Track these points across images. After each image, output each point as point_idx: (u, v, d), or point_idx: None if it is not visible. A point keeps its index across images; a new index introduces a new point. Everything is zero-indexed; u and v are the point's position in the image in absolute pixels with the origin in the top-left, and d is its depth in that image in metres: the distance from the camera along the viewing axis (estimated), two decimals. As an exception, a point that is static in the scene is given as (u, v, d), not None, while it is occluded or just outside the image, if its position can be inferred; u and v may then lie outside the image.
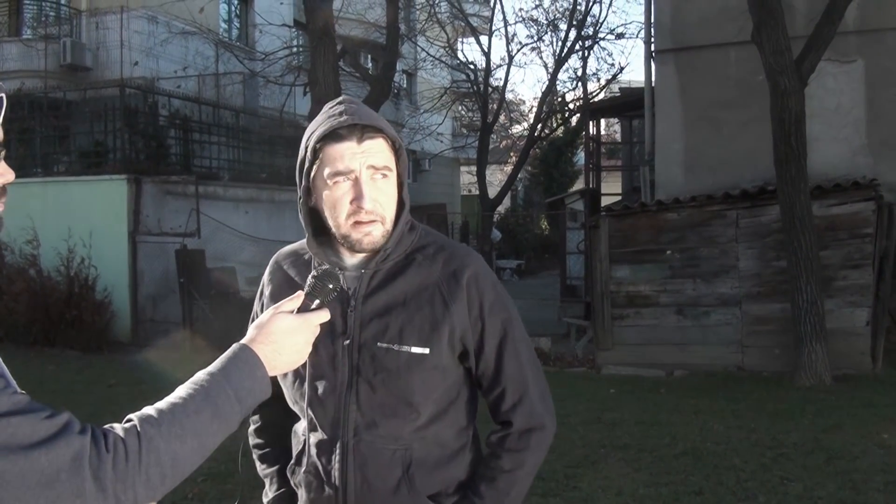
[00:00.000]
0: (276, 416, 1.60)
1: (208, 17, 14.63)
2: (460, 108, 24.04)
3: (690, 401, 6.74)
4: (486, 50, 19.52)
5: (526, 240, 24.16)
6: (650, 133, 10.49)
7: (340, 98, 1.46)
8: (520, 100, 27.82)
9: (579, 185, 19.92)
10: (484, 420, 1.52)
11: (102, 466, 0.95)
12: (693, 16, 9.64)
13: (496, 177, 27.54)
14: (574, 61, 20.95)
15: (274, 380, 1.45)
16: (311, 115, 10.13)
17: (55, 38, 13.91)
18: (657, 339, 8.45)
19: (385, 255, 1.44)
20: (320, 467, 1.45)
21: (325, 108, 1.43)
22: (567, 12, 18.93)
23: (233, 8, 17.33)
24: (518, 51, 24.78)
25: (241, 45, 16.48)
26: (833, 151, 8.91)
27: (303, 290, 1.32)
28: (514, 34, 60.75)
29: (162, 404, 1.06)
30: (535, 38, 20.95)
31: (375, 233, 1.39)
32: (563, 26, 18.98)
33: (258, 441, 1.65)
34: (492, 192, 19.29)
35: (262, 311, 1.53)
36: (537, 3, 28.16)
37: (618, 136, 21.56)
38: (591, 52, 20.00)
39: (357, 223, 1.38)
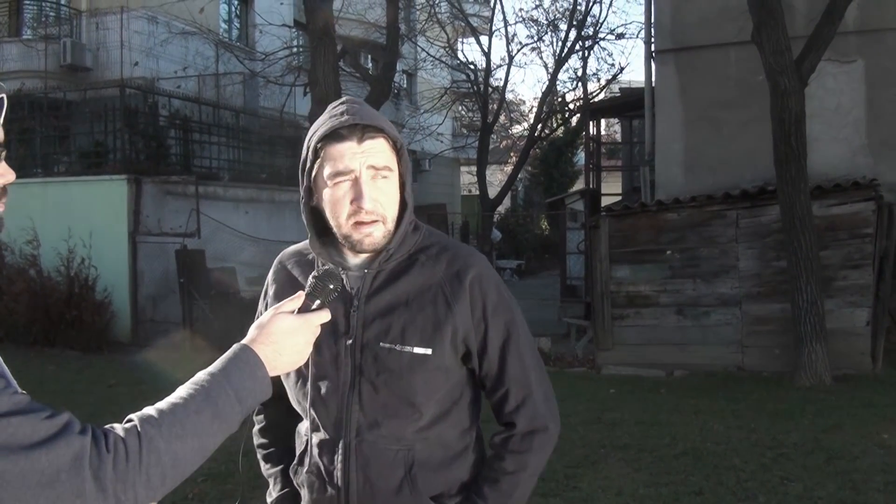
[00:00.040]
0: (280, 416, 1.60)
1: (208, 18, 14.63)
2: (460, 108, 24.04)
3: (690, 401, 6.74)
4: (486, 50, 19.54)
5: (526, 240, 24.15)
6: (650, 133, 10.49)
7: (344, 98, 1.46)
8: (520, 100, 27.84)
9: (579, 185, 19.92)
10: (487, 420, 1.52)
11: (103, 466, 0.95)
12: (693, 16, 9.64)
13: (496, 177, 27.54)
14: (574, 61, 20.97)
15: (277, 380, 1.45)
16: (312, 116, 10.13)
17: (55, 39, 13.91)
18: (657, 339, 8.45)
19: (388, 256, 1.43)
20: (322, 467, 1.45)
21: (329, 108, 1.43)
22: (567, 12, 18.94)
23: (233, 8, 17.33)
24: (518, 51, 24.81)
25: (241, 46, 16.48)
26: (833, 151, 8.91)
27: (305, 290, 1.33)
28: (514, 34, 60.78)
29: (162, 404, 1.06)
30: (535, 39, 20.99)
31: (376, 233, 1.39)
32: (563, 26, 18.99)
33: (262, 441, 1.66)
34: (492, 193, 19.29)
35: (266, 310, 1.53)
36: (537, 3, 28.17)
37: (618, 137, 21.57)
38: (591, 52, 20.01)
39: (357, 223, 1.38)
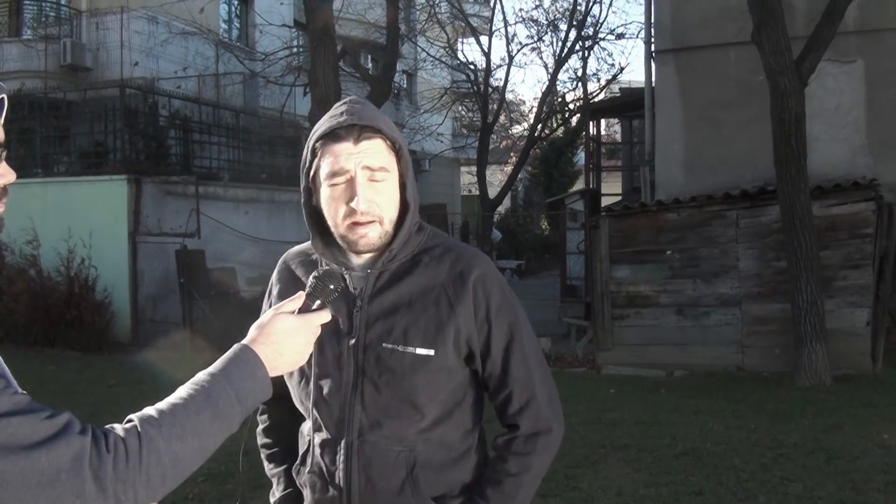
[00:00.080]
0: (284, 416, 1.61)
1: (208, 18, 14.63)
2: (460, 108, 24.04)
3: (690, 401, 6.74)
4: (486, 50, 19.60)
5: (526, 240, 24.14)
6: (650, 133, 10.49)
7: (348, 98, 1.47)
8: (520, 100, 27.84)
9: (579, 185, 19.91)
10: (490, 419, 1.52)
11: (103, 467, 0.95)
12: (693, 16, 9.64)
13: (496, 177, 27.54)
14: (574, 61, 21.00)
15: (281, 380, 1.45)
16: (312, 116, 10.15)
17: (55, 39, 13.91)
18: (657, 339, 8.45)
19: (391, 256, 1.43)
20: (325, 467, 1.45)
21: (333, 107, 1.44)
22: (567, 12, 18.96)
23: (233, 8, 17.33)
24: (518, 51, 24.85)
25: (241, 46, 16.48)
26: (833, 151, 8.91)
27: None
28: (514, 34, 60.75)
29: (162, 405, 1.06)
30: (535, 39, 21.03)
31: (372, 234, 1.39)
32: (563, 26, 19.02)
33: (266, 441, 1.66)
34: (492, 193, 19.31)
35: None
36: (537, 3, 28.21)
37: (618, 137, 21.57)
38: (591, 52, 20.05)
39: (353, 224, 1.38)
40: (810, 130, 7.59)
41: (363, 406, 1.41)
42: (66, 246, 9.72)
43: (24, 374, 1.30)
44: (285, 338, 1.22)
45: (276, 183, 13.73)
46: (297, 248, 1.60)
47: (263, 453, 1.66)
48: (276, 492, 1.61)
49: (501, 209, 23.56)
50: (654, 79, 10.39)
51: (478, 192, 19.36)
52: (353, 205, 1.36)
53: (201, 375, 1.12)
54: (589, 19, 18.67)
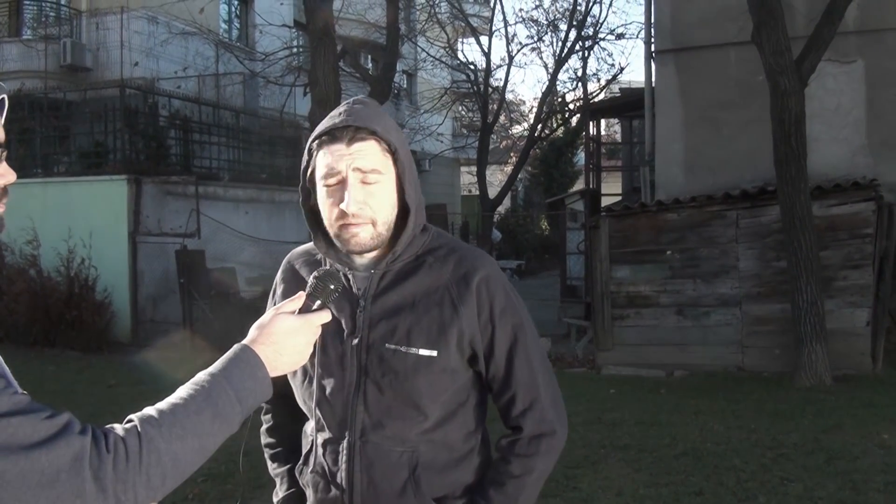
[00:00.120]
0: (288, 415, 1.61)
1: (208, 18, 14.63)
2: (460, 108, 24.05)
3: (690, 401, 6.74)
4: (487, 50, 19.61)
5: (526, 240, 24.14)
6: (650, 133, 10.49)
7: (354, 98, 1.47)
8: (520, 100, 27.84)
9: (579, 185, 19.92)
10: (494, 419, 1.51)
11: (103, 467, 0.95)
12: (693, 16, 9.64)
13: (496, 177, 27.54)
14: (574, 62, 21.00)
15: (284, 379, 1.46)
16: (312, 116, 10.15)
17: (55, 39, 13.92)
18: (657, 339, 8.45)
19: (394, 257, 1.43)
20: (327, 467, 1.45)
21: (337, 107, 1.44)
22: (567, 13, 18.97)
23: (233, 8, 17.33)
24: (518, 51, 24.86)
25: (241, 46, 16.48)
26: (833, 152, 8.91)
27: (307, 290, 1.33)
28: (514, 34, 60.77)
29: (163, 405, 1.06)
30: (535, 39, 21.03)
31: (363, 235, 1.38)
32: (563, 27, 19.03)
33: (269, 440, 1.66)
34: (492, 193, 19.31)
35: None
36: (537, 3, 28.22)
37: (618, 137, 21.57)
38: (591, 52, 20.05)
39: (344, 225, 1.38)
40: (810, 131, 7.58)
41: (366, 406, 1.41)
42: (66, 246, 9.72)
43: (24, 374, 1.30)
44: (286, 338, 1.22)
45: (276, 183, 13.74)
46: (301, 248, 1.60)
47: (267, 453, 1.66)
48: (280, 491, 1.61)
49: (501, 209, 23.56)
50: (654, 79, 10.39)
51: (478, 192, 19.37)
52: (342, 206, 1.36)
53: (201, 375, 1.12)
54: (589, 19, 18.70)
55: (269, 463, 1.66)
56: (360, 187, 1.36)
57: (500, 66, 23.45)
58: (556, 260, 16.40)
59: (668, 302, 8.46)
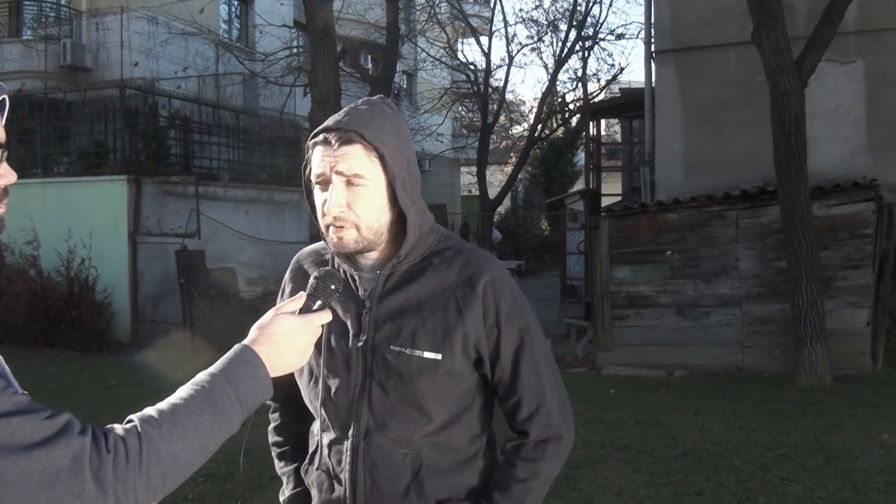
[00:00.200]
0: (296, 414, 1.61)
1: (208, 18, 14.63)
2: (460, 108, 24.02)
3: (690, 401, 6.74)
4: (487, 50, 19.56)
5: (526, 240, 24.13)
6: (650, 133, 10.49)
7: (366, 98, 1.47)
8: (520, 100, 27.80)
9: (579, 185, 19.93)
10: (500, 420, 1.51)
11: (103, 467, 0.95)
12: (693, 16, 9.64)
13: (496, 177, 27.53)
14: (574, 62, 20.98)
15: (291, 378, 1.46)
16: (312, 116, 10.15)
17: (55, 39, 13.92)
18: (657, 339, 8.45)
19: (400, 259, 1.43)
20: (331, 468, 1.45)
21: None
22: (567, 13, 18.95)
23: (233, 9, 17.33)
24: (518, 51, 24.80)
25: (241, 46, 16.48)
26: (833, 152, 8.91)
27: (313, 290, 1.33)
28: (514, 35, 60.73)
29: (163, 405, 1.06)
30: (535, 39, 21.01)
31: (346, 238, 1.38)
32: (563, 27, 19.01)
33: (276, 439, 1.67)
34: (492, 193, 19.31)
35: None
36: (537, 3, 28.21)
37: (618, 137, 21.56)
38: (591, 52, 20.02)
39: (328, 226, 1.39)
40: (810, 131, 7.58)
41: (370, 408, 1.41)
42: (66, 246, 9.72)
43: (24, 374, 1.30)
44: (286, 338, 1.22)
45: (276, 183, 13.74)
46: (309, 247, 1.61)
47: (274, 451, 1.67)
48: (286, 490, 1.61)
49: (501, 209, 23.55)
50: (654, 79, 10.39)
51: (478, 193, 19.36)
52: (325, 209, 1.37)
53: (202, 376, 1.12)
54: (589, 19, 18.68)
55: (276, 461, 1.66)
56: (344, 190, 1.36)
57: (500, 66, 23.44)
58: (556, 260, 16.40)
59: (668, 302, 8.46)
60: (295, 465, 1.60)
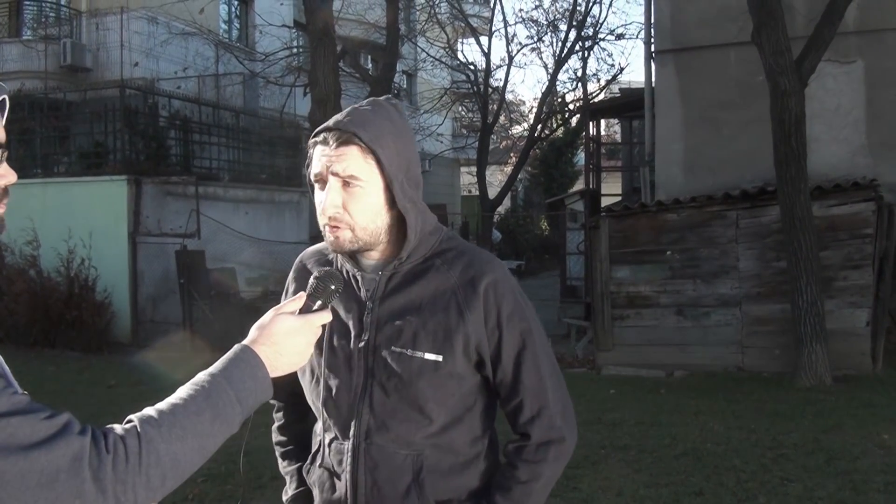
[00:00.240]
0: (300, 414, 1.61)
1: (208, 18, 14.63)
2: (460, 108, 24.03)
3: (690, 401, 6.74)
4: (486, 50, 19.57)
5: (526, 240, 24.13)
6: (650, 134, 10.49)
7: (371, 98, 1.47)
8: (520, 100, 27.81)
9: (579, 185, 19.92)
10: (502, 420, 1.50)
11: (102, 467, 0.95)
12: (693, 16, 9.64)
13: (496, 177, 27.54)
14: (574, 62, 20.99)
15: (295, 378, 1.47)
16: (312, 116, 10.15)
17: (55, 39, 13.92)
18: (657, 339, 8.45)
19: (401, 260, 1.43)
20: (333, 468, 1.46)
21: None
22: (567, 13, 18.95)
23: (233, 9, 17.33)
24: (518, 51, 24.78)
25: (241, 46, 16.48)
26: (833, 152, 8.91)
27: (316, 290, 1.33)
28: (514, 35, 60.75)
29: (162, 405, 1.06)
30: (535, 39, 21.02)
31: (342, 238, 1.38)
32: (563, 27, 19.01)
33: (281, 438, 1.67)
34: (492, 193, 19.31)
35: None
36: (537, 3, 28.22)
37: (618, 137, 21.56)
38: (591, 52, 20.03)
39: (325, 226, 1.39)
40: (810, 131, 7.58)
41: (371, 408, 1.41)
42: (66, 246, 9.72)
43: (24, 374, 1.30)
44: (286, 338, 1.22)
45: (276, 183, 13.74)
46: (314, 247, 1.61)
47: (278, 451, 1.67)
48: (290, 489, 1.61)
49: (501, 209, 23.55)
50: (653, 79, 10.39)
51: (478, 193, 19.37)
52: (320, 209, 1.37)
53: (201, 376, 1.12)
54: (589, 20, 18.68)
55: (279, 461, 1.66)
56: (340, 191, 1.36)
57: (499, 66, 23.44)
58: (556, 260, 16.41)
59: (668, 302, 8.46)
60: (298, 464, 1.60)
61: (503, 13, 56.07)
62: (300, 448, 1.61)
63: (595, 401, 6.85)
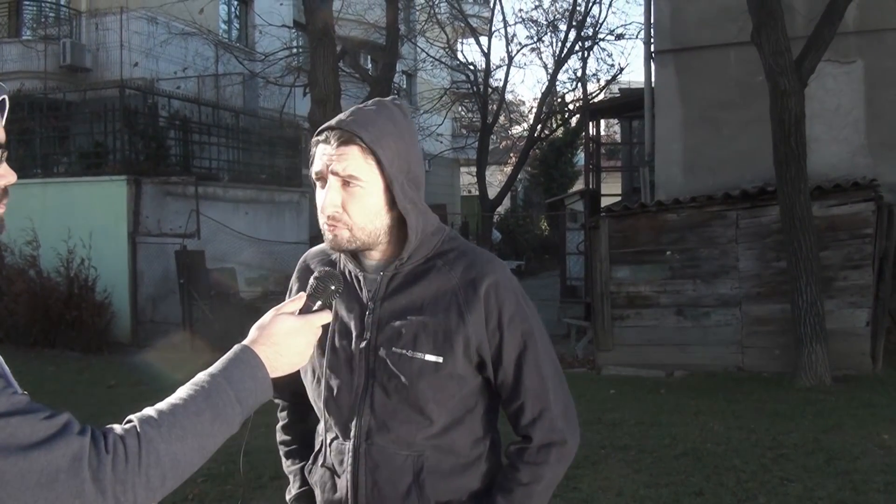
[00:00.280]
0: (303, 413, 1.61)
1: (208, 18, 14.63)
2: (460, 108, 24.03)
3: (690, 401, 6.74)
4: (486, 51, 19.55)
5: (526, 240, 24.13)
6: (650, 134, 10.49)
7: (376, 98, 1.47)
8: (519, 100, 27.83)
9: (579, 185, 19.92)
10: (505, 421, 1.50)
11: (102, 467, 0.95)
12: (693, 16, 9.64)
13: (496, 177, 27.54)
14: (574, 62, 21.00)
15: (298, 377, 1.47)
16: (311, 116, 10.15)
17: (55, 39, 13.92)
18: (657, 339, 8.45)
19: (403, 260, 1.42)
20: (334, 468, 1.46)
21: None
22: (567, 13, 18.96)
23: (232, 9, 17.33)
24: (518, 51, 24.73)
25: (240, 46, 16.49)
26: (833, 152, 8.91)
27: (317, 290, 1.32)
28: (514, 35, 60.76)
29: (162, 405, 1.06)
30: (535, 39, 21.03)
31: (340, 237, 1.38)
32: (563, 27, 19.03)
33: (285, 438, 1.67)
34: (492, 193, 19.32)
35: None
36: (537, 3, 28.25)
37: (618, 137, 21.56)
38: (591, 52, 20.05)
39: (324, 224, 1.40)
40: (810, 131, 7.58)
41: (372, 409, 1.41)
42: (66, 246, 9.72)
43: (24, 374, 1.30)
44: (286, 338, 1.22)
45: (276, 183, 13.74)
46: (317, 247, 1.60)
47: (282, 450, 1.67)
48: (293, 489, 1.61)
49: (501, 209, 23.55)
50: (653, 79, 10.39)
51: (477, 193, 19.37)
52: (321, 207, 1.37)
53: (201, 376, 1.12)
54: (588, 20, 18.70)
55: (283, 460, 1.66)
56: (339, 191, 1.36)
57: (499, 66, 23.44)
58: (556, 260, 16.41)
59: (668, 302, 8.46)
60: (302, 463, 1.60)
61: (503, 13, 56.14)
62: (304, 447, 1.61)
63: (595, 401, 6.84)
